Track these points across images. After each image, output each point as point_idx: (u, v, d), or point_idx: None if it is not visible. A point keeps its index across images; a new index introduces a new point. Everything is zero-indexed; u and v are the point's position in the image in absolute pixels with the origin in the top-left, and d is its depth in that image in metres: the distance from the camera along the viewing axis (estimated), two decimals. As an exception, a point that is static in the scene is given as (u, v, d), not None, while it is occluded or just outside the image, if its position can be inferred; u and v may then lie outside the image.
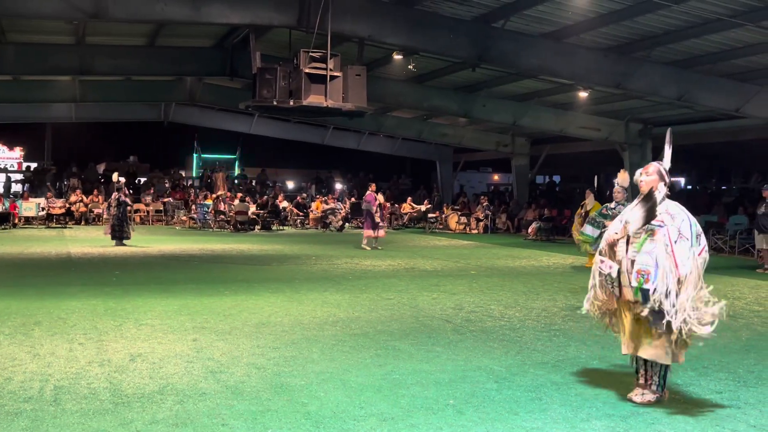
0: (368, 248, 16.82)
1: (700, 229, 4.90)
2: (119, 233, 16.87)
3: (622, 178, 8.95)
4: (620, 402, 5.01)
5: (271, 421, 4.53)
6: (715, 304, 4.83)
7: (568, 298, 9.91)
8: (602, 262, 5.12)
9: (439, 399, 5.02)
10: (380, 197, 17.44)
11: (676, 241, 4.76)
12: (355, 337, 7.01)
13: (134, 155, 35.11)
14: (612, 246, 5.10)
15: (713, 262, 17.13)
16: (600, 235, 9.27)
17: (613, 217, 8.84)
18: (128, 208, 17.23)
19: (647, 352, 4.92)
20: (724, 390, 5.40)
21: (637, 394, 5.01)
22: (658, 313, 4.75)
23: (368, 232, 17.03)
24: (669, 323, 4.74)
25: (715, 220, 20.06)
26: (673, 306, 4.72)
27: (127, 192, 17.90)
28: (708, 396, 5.23)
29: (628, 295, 4.93)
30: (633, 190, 6.12)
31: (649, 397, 4.97)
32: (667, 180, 5.04)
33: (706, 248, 4.92)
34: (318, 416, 4.61)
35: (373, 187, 17.50)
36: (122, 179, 17.88)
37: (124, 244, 16.79)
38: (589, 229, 10.35)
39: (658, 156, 18.09)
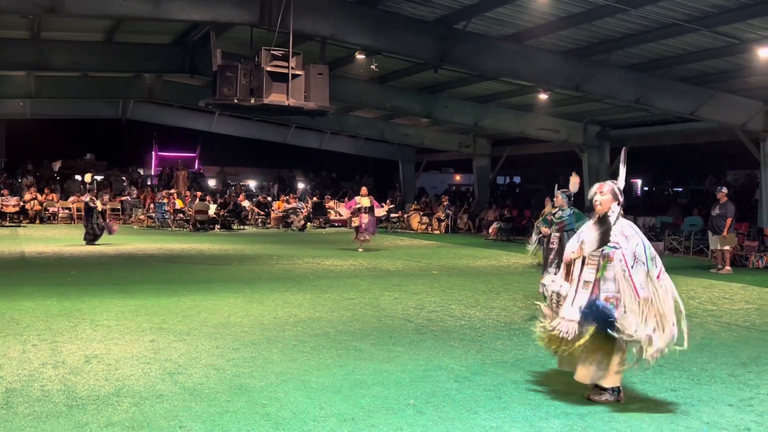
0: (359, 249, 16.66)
1: (654, 252, 4.94)
2: (90, 234, 16.74)
3: (573, 182, 8.95)
4: (578, 401, 5.08)
5: (229, 422, 4.48)
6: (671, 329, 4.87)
7: (527, 298, 10.01)
8: (553, 281, 5.18)
9: (399, 399, 5.03)
10: (364, 200, 16.54)
11: (632, 266, 4.82)
12: (316, 338, 6.98)
13: (91, 153, 34.42)
14: (569, 266, 5.14)
15: (669, 262, 17.38)
16: (538, 241, 9.22)
17: (550, 223, 8.84)
18: (96, 209, 16.86)
19: (599, 378, 4.97)
20: (679, 388, 5.50)
21: (595, 393, 5.08)
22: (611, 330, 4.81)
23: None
24: (621, 343, 4.81)
25: (670, 221, 20.46)
26: (629, 331, 4.78)
27: (96, 194, 17.51)
28: (663, 394, 5.33)
29: (571, 315, 4.97)
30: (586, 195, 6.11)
31: (607, 396, 5.04)
32: (621, 199, 5.07)
33: (664, 270, 4.94)
34: (277, 417, 4.58)
35: (363, 190, 16.90)
36: (88, 179, 17.54)
37: (95, 244, 16.62)
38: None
39: (615, 157, 18.23)
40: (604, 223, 4.97)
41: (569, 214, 8.92)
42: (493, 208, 25.82)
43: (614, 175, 5.44)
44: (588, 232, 5.05)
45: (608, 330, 4.80)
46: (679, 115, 18.77)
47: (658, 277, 4.86)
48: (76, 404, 4.75)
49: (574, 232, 8.42)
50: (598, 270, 4.93)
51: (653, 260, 4.88)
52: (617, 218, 4.99)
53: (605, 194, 5.06)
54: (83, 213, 16.80)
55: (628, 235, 4.90)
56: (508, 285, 11.44)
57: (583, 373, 4.99)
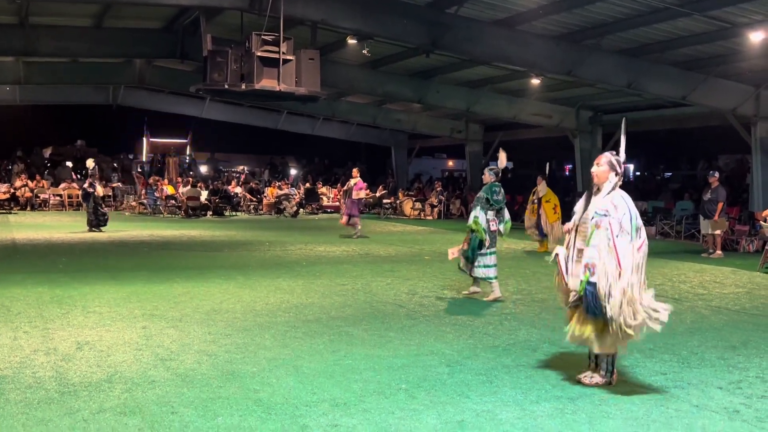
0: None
1: (641, 222, 4.98)
2: (93, 220, 16.72)
3: (500, 159, 8.93)
4: (569, 384, 5.11)
5: (221, 408, 4.49)
6: (655, 307, 4.92)
7: (519, 283, 10.06)
8: (558, 247, 5.26)
9: (391, 383, 5.05)
10: (351, 183, 16.60)
11: (618, 236, 4.85)
12: (308, 324, 6.99)
13: (82, 140, 34.25)
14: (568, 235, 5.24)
15: (661, 246, 17.40)
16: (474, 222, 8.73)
17: (477, 201, 8.66)
18: (95, 194, 16.75)
19: (592, 344, 5.02)
20: (669, 371, 5.54)
21: (586, 376, 5.12)
22: (597, 307, 4.84)
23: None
24: (606, 316, 4.84)
25: (662, 205, 20.54)
26: (610, 301, 4.81)
27: (97, 178, 17.40)
28: (653, 377, 5.37)
29: (573, 285, 5.03)
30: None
31: (597, 379, 5.07)
32: (619, 170, 5.08)
33: (646, 242, 4.99)
34: (269, 403, 4.59)
35: (354, 172, 16.78)
36: (90, 165, 17.45)
37: (100, 230, 16.60)
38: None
39: (608, 142, 18.12)
40: (590, 191, 5.11)
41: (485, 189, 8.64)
42: (486, 193, 25.78)
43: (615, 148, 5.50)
44: (579, 202, 5.16)
45: (591, 312, 4.88)
46: (671, 99, 18.78)
47: (639, 248, 4.90)
48: (68, 391, 4.75)
49: (483, 204, 8.44)
50: (587, 238, 4.98)
51: (638, 231, 4.91)
52: (612, 188, 5.03)
53: (601, 165, 5.10)
54: (81, 199, 16.71)
55: (617, 205, 4.94)
56: (500, 271, 11.44)
57: (586, 340, 5.05)
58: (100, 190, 17.06)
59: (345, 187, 16.56)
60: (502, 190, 8.76)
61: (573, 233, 5.15)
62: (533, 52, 16.11)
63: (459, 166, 39.33)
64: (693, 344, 6.46)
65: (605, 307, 4.80)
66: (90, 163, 17.62)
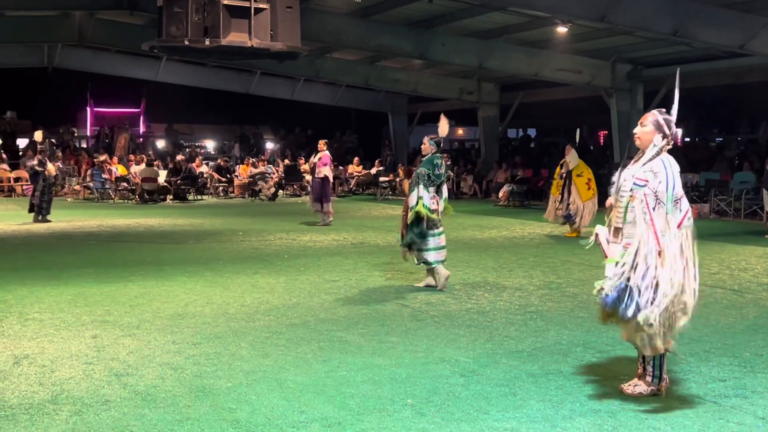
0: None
1: (681, 191, 4.94)
2: (45, 207, 16.72)
3: (441, 126, 9.06)
4: (608, 395, 5.13)
5: (190, 431, 4.51)
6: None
7: (546, 274, 10.08)
8: (598, 227, 5.28)
9: (394, 398, 5.08)
10: (313, 158, 16.79)
11: (654, 208, 4.86)
12: (292, 328, 7.02)
13: (12, 110, 34.14)
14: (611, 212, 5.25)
15: (717, 227, 17.40)
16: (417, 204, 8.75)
17: (418, 178, 8.78)
18: (47, 174, 16.64)
19: (630, 335, 5.05)
20: (729, 377, 5.57)
21: (630, 385, 5.14)
22: (628, 299, 4.86)
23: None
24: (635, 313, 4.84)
25: (717, 178, 20.56)
26: (641, 294, 4.82)
27: (47, 154, 17.32)
28: (710, 384, 5.40)
29: (609, 272, 5.06)
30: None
31: (641, 389, 5.09)
32: (668, 131, 5.04)
33: (690, 215, 4.96)
34: (249, 424, 4.62)
35: (320, 145, 16.65)
36: (39, 137, 17.41)
37: (47, 221, 16.59)
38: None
39: (650, 102, 18.15)
40: (630, 158, 5.15)
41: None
42: (504, 167, 25.84)
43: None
44: (618, 171, 5.19)
45: (623, 313, 4.87)
46: (726, 49, 18.73)
47: (679, 225, 4.88)
48: (5, 414, 4.77)
49: (425, 181, 8.59)
50: (623, 214, 5.02)
51: (676, 204, 4.89)
52: (657, 153, 5.01)
53: (646, 125, 5.08)
54: (29, 181, 16.71)
55: (656, 172, 4.94)
56: (522, 260, 11.50)
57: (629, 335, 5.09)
58: (51, 169, 16.99)
59: (309, 164, 16.36)
60: (444, 162, 9.03)
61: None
62: (559, -7, 16.07)
63: (470, 134, 39.30)
64: (757, 344, 6.49)
65: (635, 303, 4.81)
66: (39, 135, 17.56)
